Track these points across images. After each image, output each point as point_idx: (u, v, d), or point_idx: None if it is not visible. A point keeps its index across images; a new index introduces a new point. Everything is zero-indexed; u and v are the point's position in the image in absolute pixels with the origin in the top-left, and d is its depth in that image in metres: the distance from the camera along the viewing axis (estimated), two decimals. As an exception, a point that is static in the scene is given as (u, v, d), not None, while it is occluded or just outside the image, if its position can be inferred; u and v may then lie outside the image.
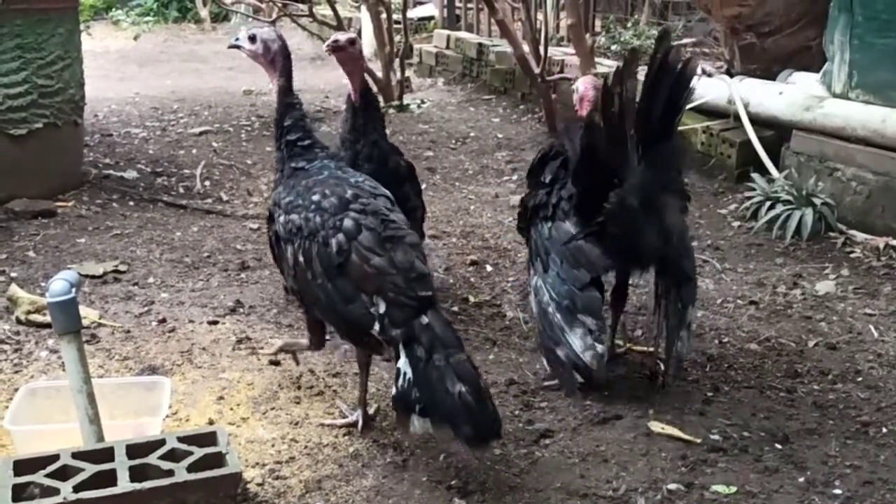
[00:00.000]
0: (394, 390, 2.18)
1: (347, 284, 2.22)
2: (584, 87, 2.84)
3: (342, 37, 2.84)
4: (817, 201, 3.93)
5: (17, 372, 2.76)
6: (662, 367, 2.64)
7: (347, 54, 2.85)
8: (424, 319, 2.17)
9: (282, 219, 2.37)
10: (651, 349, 2.78)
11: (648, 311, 3.04)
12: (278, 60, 2.49)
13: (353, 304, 2.22)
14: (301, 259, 2.30)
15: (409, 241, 2.29)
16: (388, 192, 2.43)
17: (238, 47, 2.52)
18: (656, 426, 2.44)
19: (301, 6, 7.61)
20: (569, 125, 2.86)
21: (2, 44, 4.21)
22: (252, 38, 2.51)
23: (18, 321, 3.07)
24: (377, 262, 2.21)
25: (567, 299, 2.49)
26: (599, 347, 2.46)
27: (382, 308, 2.18)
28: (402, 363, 2.15)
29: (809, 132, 4.31)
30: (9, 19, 4.19)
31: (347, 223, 2.25)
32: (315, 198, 2.32)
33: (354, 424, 2.46)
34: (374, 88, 7.12)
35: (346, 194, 2.32)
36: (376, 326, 2.20)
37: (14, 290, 3.17)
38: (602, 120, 2.41)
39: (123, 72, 9.17)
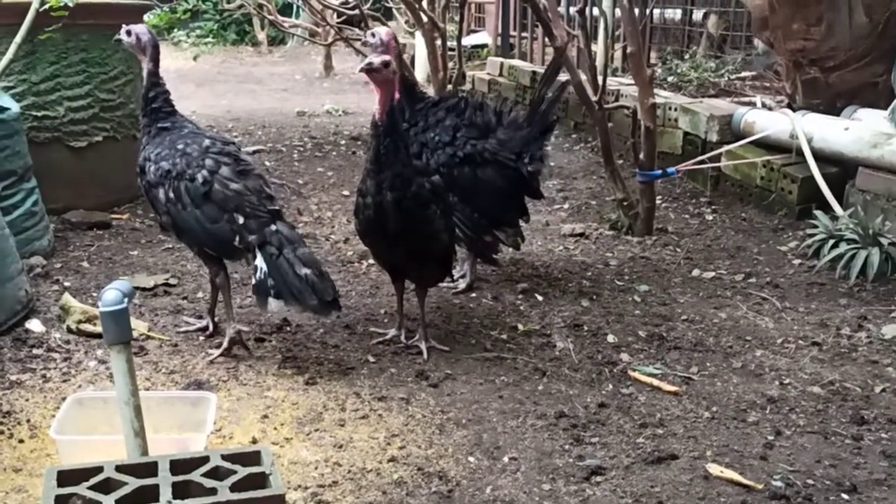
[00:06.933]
0: (253, 281, 2.81)
1: (212, 208, 2.82)
2: (387, 37, 3.42)
3: (376, 59, 2.80)
4: (884, 241, 3.78)
5: (65, 381, 2.76)
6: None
7: (382, 76, 2.80)
8: (274, 227, 2.82)
9: (152, 168, 2.93)
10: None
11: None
12: (148, 49, 3.06)
13: (217, 223, 2.82)
14: (171, 195, 2.87)
15: (257, 173, 2.97)
16: (235, 142, 3.11)
17: (120, 41, 3.11)
18: (714, 469, 2.33)
19: (357, 31, 7.69)
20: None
21: (67, 58, 4.31)
22: (128, 33, 3.10)
23: (69, 330, 3.09)
24: (235, 187, 2.84)
25: (493, 216, 3.53)
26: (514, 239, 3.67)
27: (241, 220, 2.80)
28: (259, 261, 2.79)
29: (876, 169, 4.16)
30: (75, 34, 4.29)
31: (209, 162, 2.88)
32: (180, 147, 2.93)
33: (204, 329, 3.12)
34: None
35: (205, 143, 2.95)
36: (237, 238, 2.79)
37: (67, 298, 3.20)
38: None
39: (181, 91, 9.33)
